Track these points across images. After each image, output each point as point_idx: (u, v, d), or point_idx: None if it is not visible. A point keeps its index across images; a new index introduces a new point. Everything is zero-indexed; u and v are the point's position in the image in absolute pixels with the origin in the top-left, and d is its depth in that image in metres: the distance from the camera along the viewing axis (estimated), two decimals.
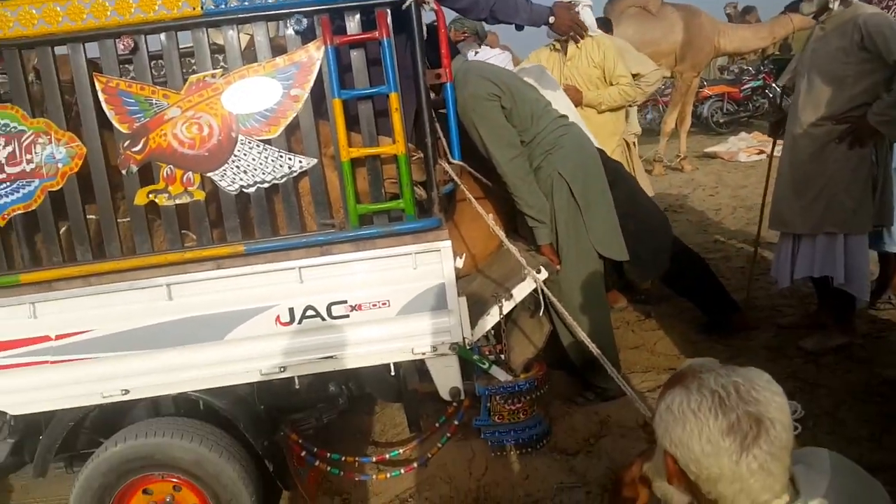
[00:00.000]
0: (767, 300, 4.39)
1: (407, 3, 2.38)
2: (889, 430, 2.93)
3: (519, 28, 3.09)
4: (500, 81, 3.12)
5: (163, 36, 2.38)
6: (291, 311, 2.50)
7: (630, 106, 4.86)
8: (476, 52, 4.57)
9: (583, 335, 2.37)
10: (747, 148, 9.70)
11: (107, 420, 2.76)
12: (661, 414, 1.20)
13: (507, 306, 2.79)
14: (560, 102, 3.57)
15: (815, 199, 3.46)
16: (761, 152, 9.41)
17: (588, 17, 4.43)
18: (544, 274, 2.86)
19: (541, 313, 2.94)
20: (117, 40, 2.37)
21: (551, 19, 3.11)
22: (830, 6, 3.32)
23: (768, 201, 4.01)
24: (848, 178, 3.39)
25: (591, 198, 3.21)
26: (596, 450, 2.98)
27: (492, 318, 2.78)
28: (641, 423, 1.47)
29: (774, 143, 4.15)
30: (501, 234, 2.71)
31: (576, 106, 4.25)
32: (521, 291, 2.83)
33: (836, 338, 3.65)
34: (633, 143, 4.98)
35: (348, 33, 2.40)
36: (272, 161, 2.42)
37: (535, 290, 2.87)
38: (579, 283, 3.23)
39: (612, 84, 4.50)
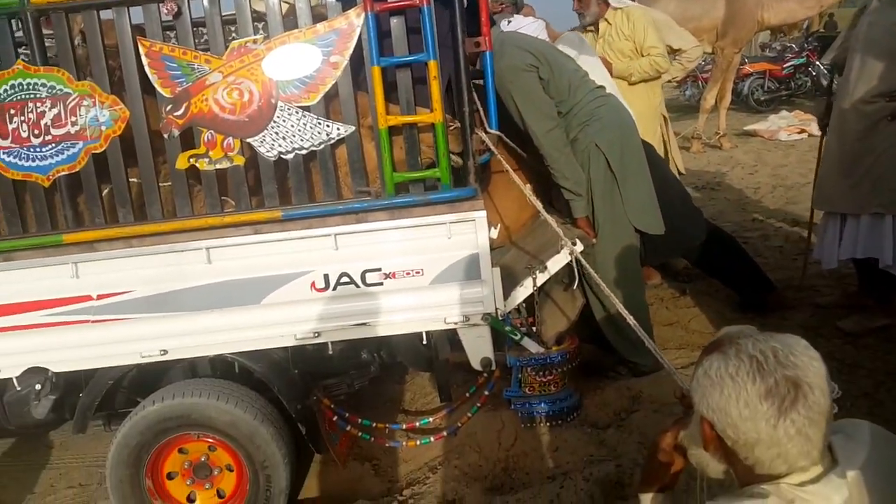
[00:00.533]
0: (806, 279, 4.32)
1: None
2: None
3: None
4: (537, 51, 3.09)
5: (206, 1, 2.39)
6: (326, 277, 2.53)
7: (662, 78, 4.76)
8: (509, 22, 4.49)
9: (620, 307, 2.35)
10: (788, 126, 9.49)
11: (144, 380, 2.84)
12: (698, 379, 1.20)
13: (541, 278, 2.78)
14: (598, 73, 3.53)
15: (863, 178, 3.37)
16: (802, 131, 9.19)
17: None
18: (580, 247, 2.84)
19: (574, 286, 2.93)
20: (161, 5, 2.39)
21: None
22: None
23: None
24: None
25: (629, 170, 3.18)
26: (627, 424, 2.98)
27: (525, 289, 2.78)
28: (679, 395, 1.47)
29: (825, 128, 3.94)
30: (538, 203, 2.68)
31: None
32: (556, 264, 2.82)
33: (878, 319, 3.58)
34: (666, 117, 4.89)
35: (388, 0, 2.38)
36: (310, 128, 2.43)
37: (570, 263, 2.85)
38: (614, 257, 3.21)
39: (643, 55, 4.43)
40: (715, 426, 1.18)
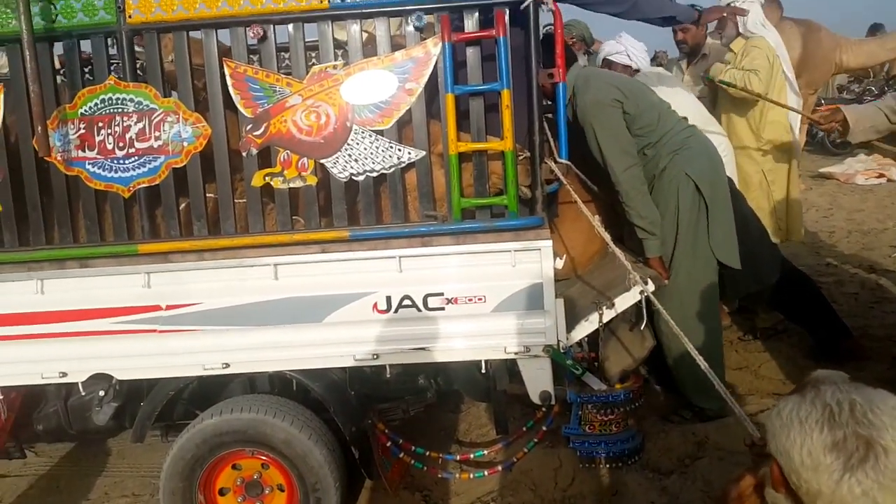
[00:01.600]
0: (883, 329, 4.11)
1: (525, 4, 2.38)
2: None
3: (665, 23, 3.06)
4: (622, 86, 3.09)
5: (290, 26, 2.47)
6: (389, 299, 2.54)
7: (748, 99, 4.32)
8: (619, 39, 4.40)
9: (691, 348, 2.27)
10: (866, 170, 9.15)
11: (204, 393, 2.89)
12: (772, 418, 1.15)
13: (608, 315, 2.72)
14: (680, 107, 3.48)
15: None
16: (881, 175, 8.86)
17: (755, 14, 4.21)
18: (651, 286, 2.76)
19: (642, 326, 2.85)
20: (248, 29, 2.47)
21: (696, 16, 3.20)
22: None
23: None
24: None
25: (716, 200, 3.14)
26: (691, 471, 2.86)
27: (590, 324, 2.72)
28: (748, 443, 1.42)
29: None
30: (607, 236, 2.64)
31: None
32: (625, 302, 2.76)
33: None
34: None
35: (466, 31, 2.41)
36: (382, 151, 2.46)
37: (639, 302, 2.78)
38: (694, 291, 3.15)
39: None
40: (782, 468, 1.13)
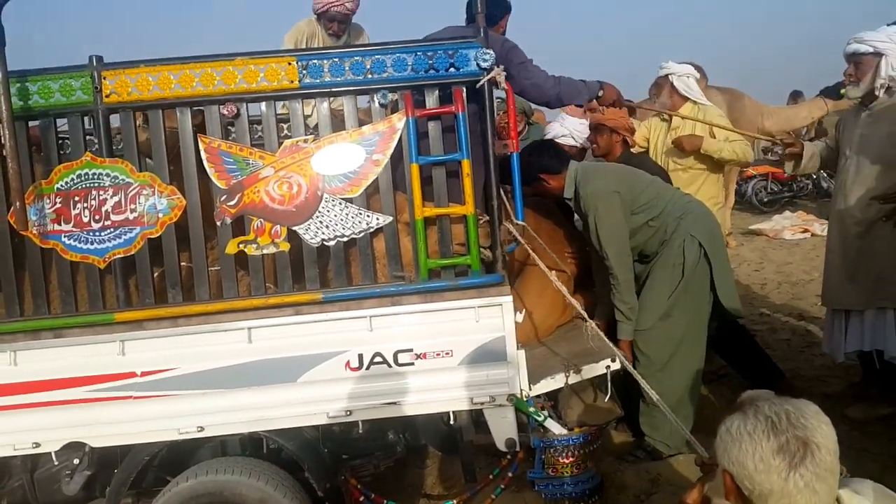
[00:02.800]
0: (812, 371, 4.43)
1: (481, 83, 2.62)
2: None
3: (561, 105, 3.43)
4: (619, 176, 3.48)
5: (263, 104, 2.65)
6: (361, 357, 2.67)
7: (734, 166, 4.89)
8: (545, 134, 4.69)
9: (653, 394, 2.51)
10: (792, 226, 9.76)
11: (174, 458, 2.91)
12: (721, 436, 1.35)
13: (573, 378, 2.93)
14: None
15: (866, 275, 3.56)
16: (806, 231, 9.45)
17: (694, 86, 4.61)
18: (617, 365, 3.00)
19: (606, 398, 3.07)
20: (221, 106, 2.64)
21: (600, 93, 3.48)
22: (877, 93, 3.51)
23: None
24: None
25: (718, 256, 3.46)
26: None
27: (555, 382, 2.91)
28: (699, 462, 1.62)
29: None
30: (576, 303, 2.89)
31: (691, 153, 4.45)
32: (591, 371, 2.97)
33: (883, 408, 3.71)
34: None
35: (427, 107, 2.64)
36: (352, 218, 2.64)
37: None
38: (689, 339, 3.42)
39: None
40: (735, 477, 1.33)
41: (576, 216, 3.59)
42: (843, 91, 3.84)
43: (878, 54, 3.45)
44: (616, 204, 3.36)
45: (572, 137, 4.32)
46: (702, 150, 4.43)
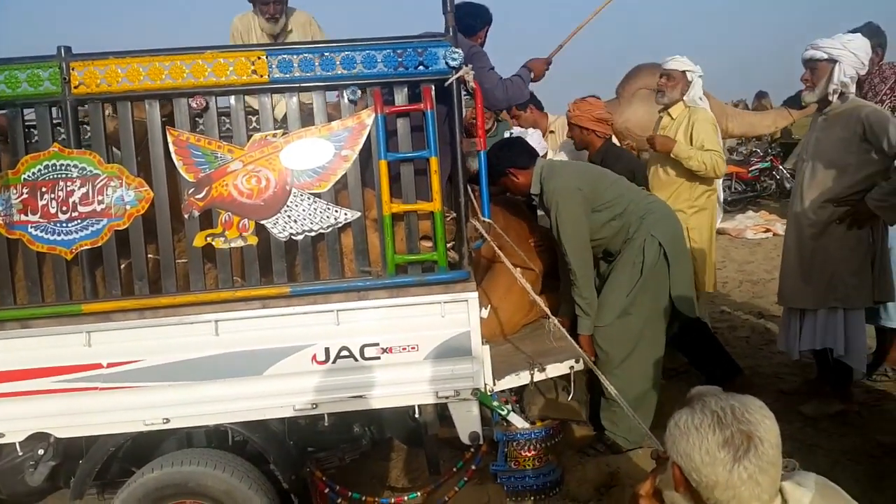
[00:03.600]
0: (770, 367, 4.57)
1: (449, 81, 2.67)
2: (879, 488, 3.11)
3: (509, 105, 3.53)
4: (583, 174, 3.57)
5: (232, 98, 2.67)
6: (327, 350, 2.71)
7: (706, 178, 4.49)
8: (510, 133, 4.82)
9: (612, 390, 2.59)
10: (754, 226, 9.98)
11: (139, 450, 2.92)
12: (670, 429, 1.42)
13: (538, 376, 3.00)
14: None
15: (819, 276, 3.69)
16: (767, 230, 9.68)
17: (696, 88, 4.49)
18: (581, 365, 3.08)
19: (570, 398, 3.13)
20: (190, 99, 2.65)
21: (532, 75, 3.63)
22: (830, 99, 3.62)
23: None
24: (848, 257, 3.62)
25: (677, 258, 3.55)
26: (606, 499, 3.12)
27: (520, 379, 2.98)
28: (654, 455, 1.69)
29: None
30: (540, 301, 2.95)
31: (663, 153, 4.38)
32: (555, 370, 3.04)
33: (835, 405, 3.84)
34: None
35: (397, 104, 2.68)
36: (320, 212, 2.67)
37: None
38: (647, 336, 3.52)
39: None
40: (683, 469, 1.39)
41: (539, 213, 3.67)
42: (802, 95, 3.93)
43: (833, 61, 3.57)
44: (577, 200, 3.43)
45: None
46: (672, 154, 4.37)
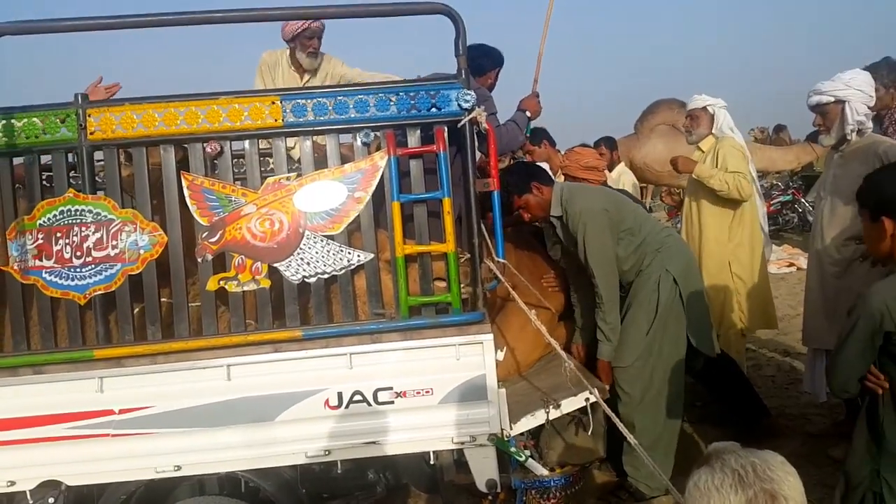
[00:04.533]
0: (797, 409, 4.43)
1: (462, 123, 2.66)
2: None
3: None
4: (607, 195, 3.53)
5: (246, 142, 2.68)
6: (340, 395, 2.66)
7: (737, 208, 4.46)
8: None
9: (632, 439, 2.51)
10: (777, 260, 9.81)
11: (152, 497, 2.87)
12: (689, 491, 1.35)
13: (554, 414, 2.91)
14: None
15: (843, 315, 3.58)
16: (791, 265, 9.51)
17: (722, 118, 4.51)
18: (595, 398, 2.97)
19: (589, 432, 3.04)
20: (205, 144, 2.66)
21: (529, 114, 3.65)
22: (849, 138, 3.59)
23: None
24: None
25: (693, 294, 3.46)
26: None
27: (535, 419, 2.89)
28: None
29: None
30: (552, 340, 2.87)
31: (684, 173, 4.39)
32: (570, 405, 2.94)
33: None
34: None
35: (409, 146, 2.68)
36: (333, 254, 2.65)
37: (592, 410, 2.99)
38: (665, 374, 3.41)
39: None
40: None
41: (548, 244, 3.60)
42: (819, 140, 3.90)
43: (840, 101, 3.54)
44: (604, 222, 3.36)
45: None
46: (694, 175, 4.39)
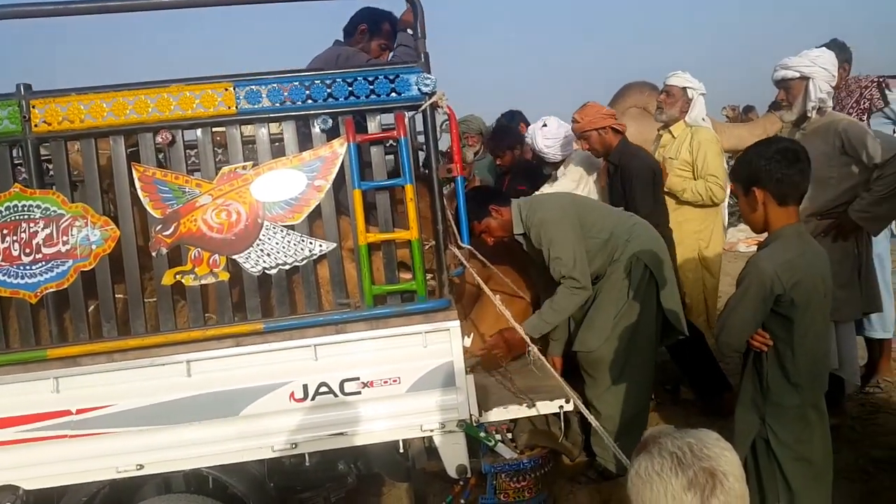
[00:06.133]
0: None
1: (423, 107, 2.61)
2: None
3: None
4: (564, 201, 3.53)
5: (199, 131, 2.59)
6: (305, 387, 2.61)
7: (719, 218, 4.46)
8: (545, 125, 4.57)
9: (594, 422, 2.55)
10: (746, 239, 9.96)
11: (117, 498, 2.81)
12: (631, 479, 1.35)
13: (527, 412, 2.90)
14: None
15: None
16: (759, 243, 9.66)
17: (698, 107, 4.35)
18: (571, 406, 2.95)
19: (560, 440, 3.07)
20: (156, 134, 2.57)
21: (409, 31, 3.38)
22: (809, 115, 3.62)
23: None
24: (835, 270, 3.55)
25: (665, 277, 3.46)
26: None
27: (508, 413, 2.88)
28: None
29: None
30: (519, 327, 2.86)
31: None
32: (544, 408, 2.92)
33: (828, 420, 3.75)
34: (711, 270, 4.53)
35: (369, 132, 2.62)
36: (294, 245, 2.58)
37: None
38: (634, 356, 3.42)
39: (699, 178, 4.26)
40: None
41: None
42: (779, 115, 3.92)
43: (805, 78, 3.57)
44: (567, 224, 3.37)
45: (552, 145, 4.41)
46: (666, 188, 4.24)
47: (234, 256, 2.57)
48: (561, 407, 2.89)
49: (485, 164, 5.71)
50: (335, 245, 2.62)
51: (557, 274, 3.33)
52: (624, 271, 3.43)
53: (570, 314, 3.42)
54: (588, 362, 3.37)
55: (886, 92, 4.35)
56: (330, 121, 2.60)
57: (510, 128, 5.53)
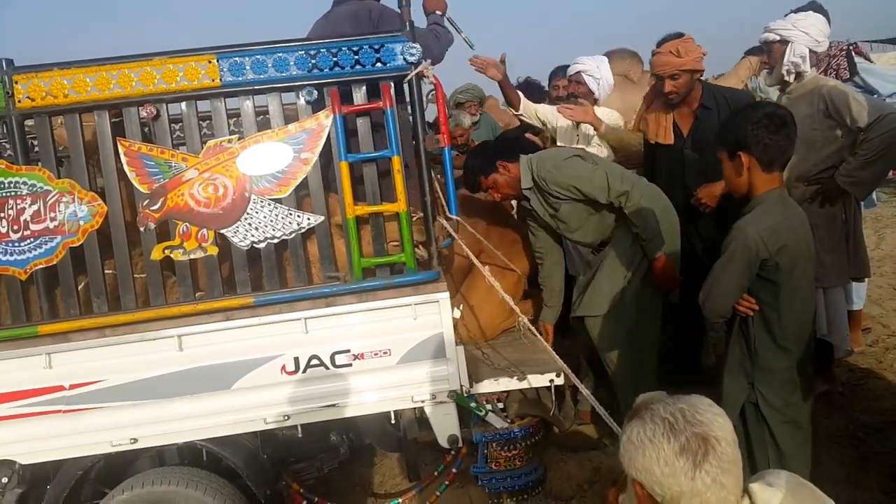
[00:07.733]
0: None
1: (409, 77, 2.59)
2: (864, 470, 3.07)
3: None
4: (574, 150, 3.43)
5: (183, 104, 2.57)
6: (297, 360, 2.63)
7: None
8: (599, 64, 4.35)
9: (592, 399, 2.61)
10: None
11: (112, 471, 2.84)
12: (624, 446, 1.36)
13: (518, 385, 2.90)
14: None
15: None
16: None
17: (594, 88, 4.28)
18: (562, 380, 2.93)
19: (552, 413, 3.06)
20: (140, 108, 2.55)
21: (438, 13, 3.41)
22: (785, 79, 3.59)
23: None
24: (823, 236, 3.58)
25: (672, 236, 3.27)
26: (590, 495, 3.07)
27: (499, 385, 2.89)
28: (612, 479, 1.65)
29: None
30: (508, 298, 2.83)
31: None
32: (535, 381, 2.91)
33: (818, 386, 3.78)
34: None
35: (355, 103, 2.60)
36: (282, 218, 2.58)
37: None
38: (642, 318, 3.33)
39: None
40: (644, 485, 1.33)
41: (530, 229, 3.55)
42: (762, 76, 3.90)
43: (785, 41, 3.54)
44: (579, 162, 3.27)
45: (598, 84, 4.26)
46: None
47: (222, 230, 2.57)
48: (552, 381, 2.91)
49: (483, 132, 5.69)
50: (323, 218, 2.61)
51: (616, 201, 3.19)
52: (632, 235, 3.31)
53: (657, 226, 3.22)
54: (594, 326, 3.32)
55: (858, 59, 4.31)
56: (315, 92, 2.58)
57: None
